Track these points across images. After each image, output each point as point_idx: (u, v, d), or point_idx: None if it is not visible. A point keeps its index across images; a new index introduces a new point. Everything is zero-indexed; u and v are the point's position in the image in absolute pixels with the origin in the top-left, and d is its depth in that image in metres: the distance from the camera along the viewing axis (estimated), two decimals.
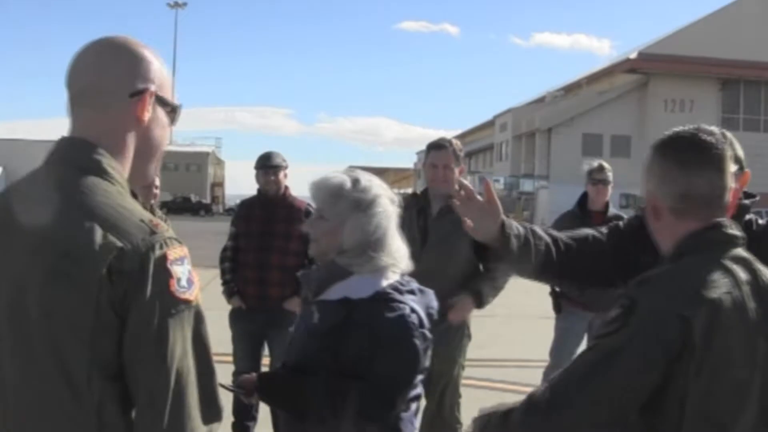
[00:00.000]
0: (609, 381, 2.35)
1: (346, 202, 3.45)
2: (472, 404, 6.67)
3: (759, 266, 2.57)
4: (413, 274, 6.02)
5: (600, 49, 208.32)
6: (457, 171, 6.29)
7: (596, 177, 7.68)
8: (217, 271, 7.87)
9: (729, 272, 2.47)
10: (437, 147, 6.33)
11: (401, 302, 3.36)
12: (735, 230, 2.58)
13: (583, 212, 7.74)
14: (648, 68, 70.60)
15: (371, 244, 3.45)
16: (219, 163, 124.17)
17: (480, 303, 6.36)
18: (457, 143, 6.46)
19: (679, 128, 2.72)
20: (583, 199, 7.84)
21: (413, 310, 3.38)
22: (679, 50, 69.13)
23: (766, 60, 69.34)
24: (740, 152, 3.04)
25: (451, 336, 6.26)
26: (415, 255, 5.84)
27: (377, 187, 3.54)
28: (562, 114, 72.69)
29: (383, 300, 3.36)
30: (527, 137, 78.36)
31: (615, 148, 67.72)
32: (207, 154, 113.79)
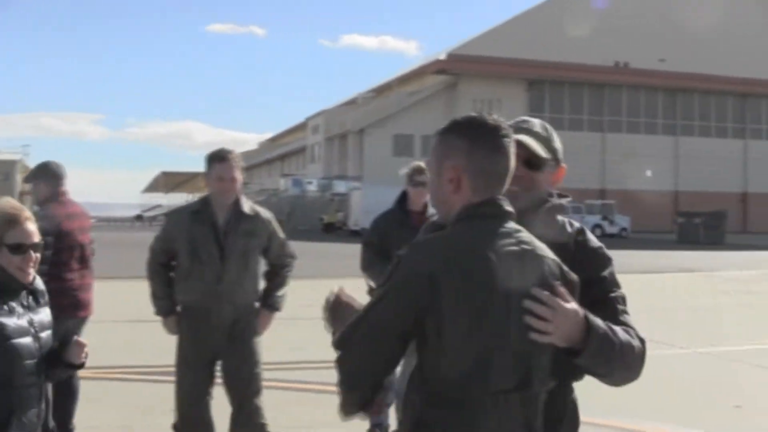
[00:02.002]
0: (372, 322, 2.83)
1: None
2: (287, 407, 6.53)
3: (525, 237, 2.91)
4: (215, 293, 6.07)
5: (407, 50, 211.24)
6: (240, 180, 6.52)
7: (417, 179, 7.67)
8: None
9: (493, 239, 2.83)
10: (222, 159, 6.46)
11: None
12: (508, 207, 2.91)
13: (402, 212, 7.80)
14: (457, 69, 71.81)
15: None
16: (27, 170, 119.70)
17: (278, 310, 6.91)
18: (237, 153, 6.67)
19: (479, 113, 2.97)
20: (403, 198, 7.86)
21: None
22: (487, 51, 70.55)
23: (570, 61, 71.39)
24: (557, 145, 3.31)
25: (249, 339, 6.60)
26: (216, 271, 6.39)
27: None
28: (374, 115, 73.18)
29: None
30: (339, 139, 78.57)
31: (426, 148, 68.23)
32: (14, 162, 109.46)
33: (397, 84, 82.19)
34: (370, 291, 7.98)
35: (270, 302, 6.80)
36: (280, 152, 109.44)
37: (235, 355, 6.48)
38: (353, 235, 48.48)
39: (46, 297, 4.16)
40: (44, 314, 4.07)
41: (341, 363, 2.95)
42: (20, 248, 3.90)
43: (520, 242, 2.87)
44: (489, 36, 74.10)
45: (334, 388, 9.62)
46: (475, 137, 2.90)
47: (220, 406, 6.65)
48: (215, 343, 6.43)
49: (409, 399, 2.91)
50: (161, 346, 7.35)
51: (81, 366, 4.09)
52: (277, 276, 6.87)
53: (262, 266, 6.85)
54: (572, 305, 2.85)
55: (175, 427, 6.61)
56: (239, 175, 6.48)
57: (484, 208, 2.88)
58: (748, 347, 13.34)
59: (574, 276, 2.98)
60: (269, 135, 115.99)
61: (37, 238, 3.98)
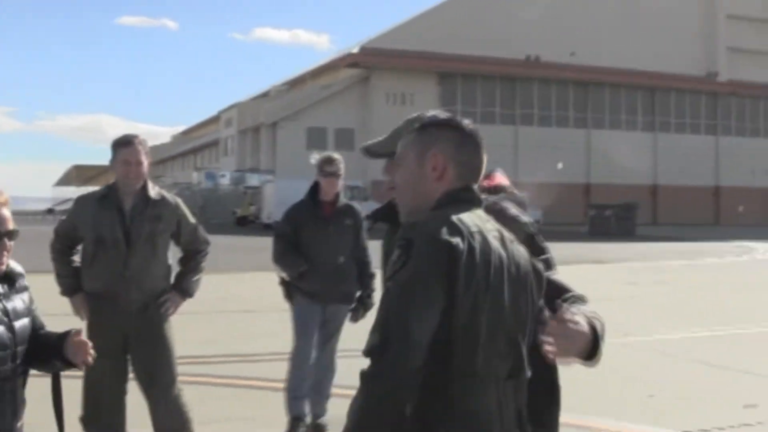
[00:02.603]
0: (413, 306, 2.73)
1: None
2: (201, 401, 6.36)
3: (497, 224, 3.04)
4: (122, 278, 6.29)
5: (319, 43, 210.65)
6: (146, 164, 6.41)
7: (327, 170, 7.73)
8: None
9: (479, 218, 2.95)
10: (126, 144, 6.39)
11: None
12: (480, 194, 3.10)
13: (314, 202, 7.82)
14: (370, 62, 71.80)
15: None
16: None
17: (189, 296, 6.73)
18: (143, 138, 6.56)
19: (450, 113, 3.21)
20: (314, 189, 7.87)
21: None
22: (399, 45, 70.66)
23: (481, 54, 71.79)
24: None
25: (160, 325, 6.49)
26: (122, 256, 6.31)
27: None
28: (287, 108, 72.86)
29: None
30: (252, 132, 78.13)
31: (339, 141, 68.33)
32: None
33: (311, 77, 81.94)
34: (282, 282, 8.04)
35: (182, 286, 6.67)
36: (193, 145, 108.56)
37: (146, 342, 6.38)
38: (266, 229, 48.30)
39: (24, 280, 3.87)
40: (19, 301, 3.76)
41: (393, 353, 2.72)
42: None
43: (498, 228, 3.02)
44: (401, 29, 74.21)
45: (249, 382, 9.65)
46: (463, 131, 3.08)
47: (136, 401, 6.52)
48: (125, 331, 6.31)
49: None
50: None
51: (80, 365, 3.80)
52: (190, 261, 6.76)
53: (177, 254, 6.79)
54: (582, 325, 2.97)
55: (83, 419, 6.41)
56: (145, 160, 6.38)
57: (466, 193, 3.03)
58: (658, 337, 13.56)
59: (539, 265, 3.12)
60: (182, 128, 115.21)
61: (11, 224, 3.70)
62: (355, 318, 7.82)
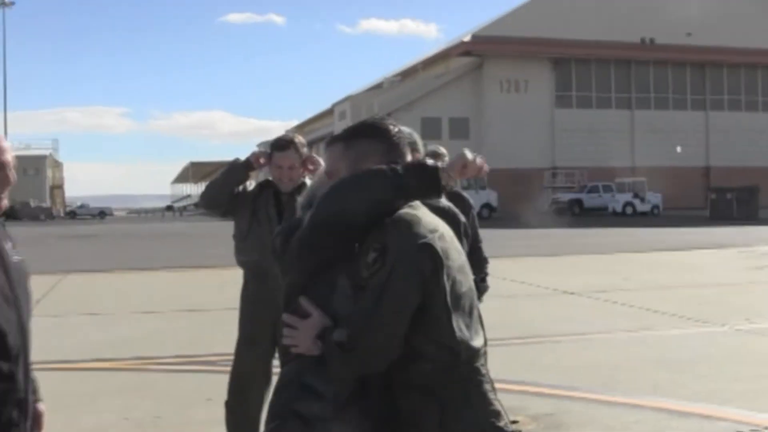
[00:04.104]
0: (386, 311, 2.92)
1: None
2: None
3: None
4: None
5: (428, 33, 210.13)
6: (302, 168, 6.44)
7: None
8: (60, 277, 7.28)
9: (429, 210, 3.18)
10: (280, 148, 6.43)
11: None
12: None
13: None
14: (482, 50, 71.43)
15: None
16: (57, 165, 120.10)
17: None
18: (299, 139, 6.57)
19: (377, 118, 3.45)
20: None
21: None
22: (511, 31, 70.13)
23: (595, 38, 70.87)
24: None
25: None
26: (273, 232, 6.23)
27: None
28: (401, 99, 72.94)
29: None
30: None
31: (453, 130, 68.27)
32: (45, 156, 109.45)
33: (423, 67, 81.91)
34: None
35: None
36: (308, 139, 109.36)
37: None
38: None
39: None
40: None
41: (363, 347, 2.96)
42: None
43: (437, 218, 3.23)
44: (513, 16, 73.66)
45: None
46: (389, 139, 3.28)
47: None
48: (275, 320, 6.03)
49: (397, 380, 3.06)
50: (200, 336, 7.20)
51: None
52: None
53: None
54: (310, 321, 3.09)
55: (227, 404, 6.51)
56: (299, 163, 6.41)
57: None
58: None
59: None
60: (295, 122, 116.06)
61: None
62: None
